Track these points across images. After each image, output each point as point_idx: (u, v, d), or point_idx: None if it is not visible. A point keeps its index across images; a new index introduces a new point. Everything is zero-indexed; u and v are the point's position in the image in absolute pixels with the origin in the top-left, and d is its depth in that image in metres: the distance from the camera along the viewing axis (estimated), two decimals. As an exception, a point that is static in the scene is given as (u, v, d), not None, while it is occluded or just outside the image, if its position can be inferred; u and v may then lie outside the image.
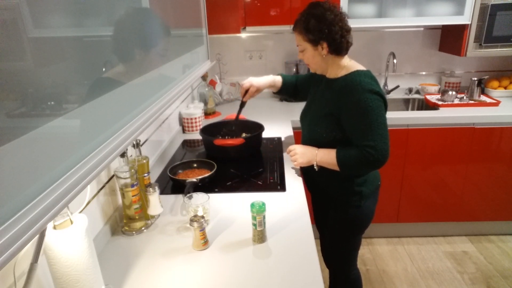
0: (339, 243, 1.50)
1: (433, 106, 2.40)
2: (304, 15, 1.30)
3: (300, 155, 1.40)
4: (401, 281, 2.14)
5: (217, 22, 2.14)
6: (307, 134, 1.43)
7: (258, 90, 1.68)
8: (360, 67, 1.32)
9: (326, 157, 1.33)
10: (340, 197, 1.40)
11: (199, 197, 1.18)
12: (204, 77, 2.49)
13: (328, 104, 1.31)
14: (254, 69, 2.79)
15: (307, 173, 1.49)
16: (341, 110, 1.26)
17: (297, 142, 2.20)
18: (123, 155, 1.11)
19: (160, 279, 0.95)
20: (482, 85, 2.50)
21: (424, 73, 2.76)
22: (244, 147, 1.67)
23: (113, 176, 1.22)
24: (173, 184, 1.47)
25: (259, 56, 2.75)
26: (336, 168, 1.30)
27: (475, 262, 2.29)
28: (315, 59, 1.34)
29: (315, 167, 1.37)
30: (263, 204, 1.05)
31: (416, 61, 2.73)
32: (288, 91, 1.73)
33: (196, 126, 2.12)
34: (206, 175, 1.44)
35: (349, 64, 1.33)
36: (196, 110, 2.11)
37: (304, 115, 1.51)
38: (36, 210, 0.48)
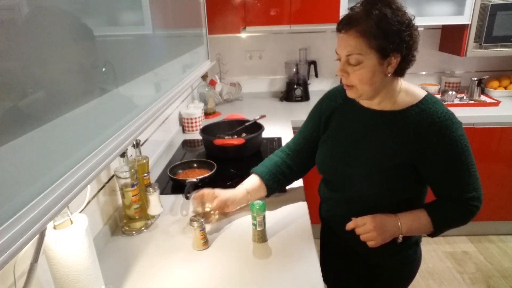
0: None
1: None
2: (372, 9, 0.85)
3: (378, 231, 0.96)
4: (401, 281, 2.14)
5: (217, 22, 2.13)
6: (363, 195, 1.01)
7: (225, 205, 1.16)
8: (419, 89, 0.98)
9: (416, 224, 0.97)
10: (392, 254, 1.07)
11: None
12: (204, 77, 2.49)
13: (401, 150, 0.94)
14: (254, 69, 2.79)
15: (352, 237, 1.03)
16: (424, 157, 0.93)
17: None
18: (123, 155, 1.11)
19: (160, 279, 0.95)
20: (482, 85, 2.50)
21: (424, 73, 2.76)
22: (244, 147, 1.67)
23: (113, 176, 1.22)
24: (173, 184, 1.47)
25: (259, 56, 2.75)
26: (427, 233, 1.00)
27: (475, 262, 2.29)
28: (374, 78, 0.89)
29: (398, 240, 1.00)
30: (263, 204, 1.05)
31: (416, 61, 2.72)
32: (284, 182, 1.22)
33: (196, 126, 2.12)
34: (206, 175, 1.44)
35: (406, 86, 0.97)
36: (196, 110, 2.11)
37: (341, 163, 1.03)
38: (36, 210, 0.48)
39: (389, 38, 0.85)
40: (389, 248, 1.02)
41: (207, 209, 1.15)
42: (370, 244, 0.98)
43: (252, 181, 1.20)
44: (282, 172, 1.21)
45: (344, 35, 0.89)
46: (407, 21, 0.86)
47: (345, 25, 0.89)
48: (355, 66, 0.89)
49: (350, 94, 0.96)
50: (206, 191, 1.15)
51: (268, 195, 1.23)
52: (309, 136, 1.17)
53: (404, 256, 1.10)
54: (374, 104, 0.99)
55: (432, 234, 1.00)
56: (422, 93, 0.96)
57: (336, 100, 1.09)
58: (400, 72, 0.93)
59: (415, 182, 0.98)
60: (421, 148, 0.92)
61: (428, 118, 0.91)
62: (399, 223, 0.97)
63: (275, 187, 1.21)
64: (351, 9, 0.90)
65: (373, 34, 0.85)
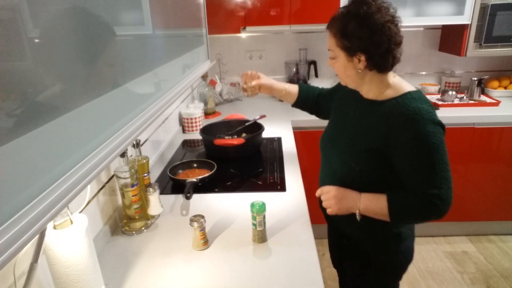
0: None
1: (433, 106, 2.40)
2: (344, 13, 0.99)
3: (337, 200, 1.06)
4: (401, 281, 2.14)
5: (217, 22, 2.14)
6: (338, 170, 1.12)
7: (263, 87, 1.42)
8: (408, 85, 1.04)
9: (373, 205, 1.02)
10: (375, 241, 1.14)
11: None
12: (204, 77, 2.49)
13: (371, 136, 1.02)
14: (254, 69, 2.77)
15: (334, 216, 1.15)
16: (393, 146, 0.98)
17: (301, 146, 2.21)
18: (123, 155, 1.11)
19: (160, 279, 0.95)
20: (482, 85, 2.50)
21: (424, 73, 2.76)
22: (244, 147, 1.67)
23: (113, 176, 1.22)
24: (173, 184, 1.47)
25: (259, 56, 2.75)
26: (385, 218, 1.02)
27: (475, 262, 2.29)
28: (348, 72, 1.04)
29: (357, 217, 1.06)
30: (263, 204, 1.05)
31: (416, 61, 2.73)
32: (306, 105, 1.43)
33: (196, 126, 2.12)
34: (206, 175, 1.44)
35: (395, 81, 1.04)
36: (196, 110, 2.11)
37: (329, 143, 1.18)
38: (36, 210, 0.48)
39: (352, 41, 0.97)
40: (367, 231, 1.11)
41: (249, 85, 1.42)
42: (328, 211, 1.09)
43: (293, 87, 1.45)
44: (313, 100, 1.43)
45: (327, 32, 1.06)
46: (375, 26, 0.94)
47: (328, 25, 1.05)
48: (333, 60, 1.07)
49: (340, 81, 1.14)
50: (252, 72, 1.43)
51: (293, 105, 1.48)
52: (330, 98, 1.34)
53: (388, 246, 1.13)
54: (363, 93, 1.09)
55: (391, 221, 1.02)
56: (406, 89, 1.02)
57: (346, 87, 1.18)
58: (377, 68, 1.01)
59: (385, 168, 1.02)
60: (389, 137, 0.98)
61: (399, 110, 0.97)
62: (359, 200, 1.04)
63: (301, 104, 1.46)
64: (337, 10, 1.03)
65: (340, 36, 1.00)
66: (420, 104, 0.97)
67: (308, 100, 1.42)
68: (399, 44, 0.99)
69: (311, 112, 1.46)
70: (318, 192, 1.13)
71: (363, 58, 0.99)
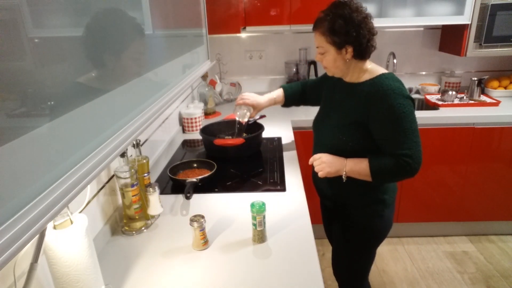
0: (356, 255, 1.40)
1: (433, 106, 2.40)
2: (330, 15, 1.18)
3: (327, 164, 1.25)
4: (401, 281, 2.14)
5: (217, 22, 2.14)
6: (328, 143, 1.30)
7: (257, 108, 1.64)
8: (382, 69, 1.24)
9: (357, 166, 1.22)
10: (362, 206, 1.31)
11: None
12: (204, 77, 2.49)
13: (354, 111, 1.22)
14: (254, 69, 2.79)
15: (320, 182, 1.40)
16: (371, 118, 1.18)
17: (301, 146, 2.21)
18: (123, 155, 1.11)
19: (160, 279, 0.95)
20: (482, 85, 2.50)
21: (424, 73, 2.77)
22: (244, 147, 1.67)
23: (113, 176, 1.22)
24: (173, 184, 1.47)
25: (259, 56, 2.75)
26: (367, 178, 1.21)
27: (475, 262, 2.29)
28: (336, 63, 1.24)
29: (343, 178, 1.24)
30: (263, 204, 1.05)
31: (416, 61, 2.73)
32: (294, 101, 1.67)
33: (196, 126, 2.12)
34: (206, 175, 1.44)
35: (371, 67, 1.25)
36: (196, 110, 2.11)
37: (320, 123, 1.38)
38: (36, 210, 0.48)
39: (340, 36, 1.17)
40: (355, 189, 1.29)
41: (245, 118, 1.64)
42: (320, 174, 1.26)
43: (278, 92, 1.68)
44: (298, 94, 1.66)
45: (315, 33, 1.25)
46: (357, 22, 1.16)
47: (314, 26, 1.25)
48: (322, 55, 1.26)
49: (327, 73, 1.33)
50: (239, 101, 1.64)
51: (283, 106, 1.71)
52: (317, 88, 1.58)
53: (372, 210, 1.31)
54: (346, 79, 1.30)
55: (373, 180, 1.20)
56: (380, 72, 1.22)
57: (331, 77, 1.38)
58: (360, 56, 1.22)
59: (366, 138, 1.22)
60: (368, 110, 1.18)
61: (375, 88, 1.18)
62: (345, 163, 1.24)
63: (290, 102, 1.69)
64: (319, 13, 1.23)
65: (329, 34, 1.19)
66: (392, 82, 1.16)
67: (295, 96, 1.65)
68: (375, 35, 1.22)
69: (299, 104, 1.71)
70: (310, 160, 1.31)
71: (350, 49, 1.19)
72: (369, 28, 1.19)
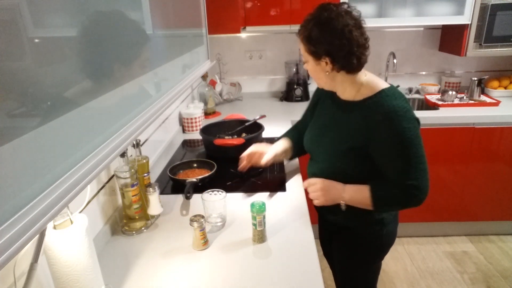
0: (360, 275, 1.32)
1: (433, 106, 2.40)
2: (308, 20, 1.07)
3: (323, 192, 1.14)
4: (401, 281, 2.14)
5: (217, 22, 2.13)
6: (324, 168, 1.18)
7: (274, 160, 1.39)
8: (382, 82, 1.09)
9: (357, 195, 1.10)
10: (359, 228, 1.22)
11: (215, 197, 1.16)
12: (204, 77, 2.49)
13: (351, 136, 1.09)
14: (254, 69, 2.79)
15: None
16: (371, 144, 1.05)
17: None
18: (123, 155, 1.11)
19: (160, 279, 0.95)
20: (482, 85, 2.50)
21: (424, 73, 2.76)
22: (244, 147, 1.67)
23: (113, 176, 1.22)
24: (173, 184, 1.47)
25: (259, 56, 2.75)
26: (368, 207, 1.10)
27: (475, 262, 2.29)
28: (318, 75, 1.12)
29: (342, 207, 1.14)
30: (263, 204, 1.05)
31: (416, 61, 2.73)
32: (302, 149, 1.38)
33: (196, 126, 2.12)
34: (206, 175, 1.44)
35: (368, 80, 1.09)
36: (196, 110, 2.11)
37: (316, 142, 1.23)
38: (36, 210, 0.48)
39: (316, 45, 1.05)
40: (352, 219, 1.19)
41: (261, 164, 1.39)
42: (315, 202, 1.17)
43: (286, 142, 1.43)
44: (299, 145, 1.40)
45: (298, 39, 1.12)
46: (338, 30, 1.01)
47: (297, 32, 1.12)
48: (305, 64, 1.14)
49: (317, 84, 1.20)
50: (254, 154, 1.41)
51: (290, 159, 1.48)
52: (308, 118, 1.37)
53: (370, 231, 1.21)
54: (339, 94, 1.15)
55: (374, 209, 1.10)
56: (380, 87, 1.07)
57: (324, 89, 1.22)
58: (345, 70, 1.07)
59: (366, 164, 1.10)
60: (369, 135, 1.05)
61: (377, 109, 1.04)
62: (343, 191, 1.12)
63: (296, 154, 1.46)
64: (305, 17, 1.09)
65: (306, 42, 1.07)
66: (395, 101, 1.02)
67: (300, 138, 1.38)
68: (363, 46, 1.05)
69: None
70: (305, 184, 1.21)
71: (328, 60, 1.06)
72: (350, 38, 1.01)
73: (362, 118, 1.06)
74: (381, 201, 1.08)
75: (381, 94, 1.05)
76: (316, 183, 1.15)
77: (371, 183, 1.09)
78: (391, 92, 1.05)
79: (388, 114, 1.01)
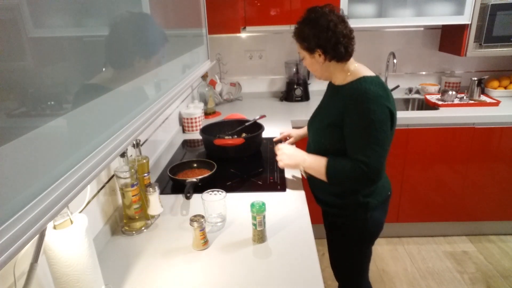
0: (347, 256, 1.42)
1: (433, 106, 2.40)
2: (299, 23, 1.24)
3: (287, 156, 1.30)
4: (401, 281, 2.14)
5: (217, 22, 2.14)
6: (312, 144, 1.34)
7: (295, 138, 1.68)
8: (368, 72, 1.23)
9: (315, 164, 1.24)
10: (344, 209, 1.31)
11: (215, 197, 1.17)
12: (204, 77, 2.49)
13: (333, 114, 1.23)
14: (254, 69, 2.79)
15: (313, 185, 1.41)
16: (344, 120, 1.18)
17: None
18: (123, 155, 1.11)
19: (160, 279, 0.95)
20: (482, 85, 2.50)
21: (424, 73, 2.77)
22: (244, 147, 1.67)
23: (113, 176, 1.22)
24: (173, 184, 1.47)
25: (259, 56, 2.75)
26: (324, 178, 1.21)
27: (475, 262, 2.29)
28: (314, 67, 1.28)
29: (302, 173, 1.30)
30: (263, 204, 1.05)
31: (416, 61, 2.73)
32: None
33: (196, 126, 2.12)
34: (206, 175, 1.44)
35: (355, 69, 1.23)
36: (196, 110, 2.11)
37: (311, 123, 1.39)
38: (36, 210, 0.48)
39: (308, 41, 1.21)
40: (335, 198, 1.31)
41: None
42: (279, 164, 1.33)
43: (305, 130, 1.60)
44: None
45: (294, 40, 1.28)
46: (325, 26, 1.17)
47: (292, 36, 1.29)
48: (303, 60, 1.30)
49: (315, 77, 1.35)
50: (284, 135, 1.70)
51: None
52: None
53: (355, 213, 1.30)
54: (334, 81, 1.30)
55: (327, 180, 1.21)
56: (363, 74, 1.20)
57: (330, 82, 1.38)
58: (336, 59, 1.22)
59: (342, 141, 1.20)
60: (342, 112, 1.18)
61: (353, 91, 1.17)
62: (305, 159, 1.27)
63: None
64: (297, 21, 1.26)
65: (301, 40, 1.24)
66: (370, 86, 1.14)
67: None
68: (347, 36, 1.19)
69: None
70: (276, 148, 1.38)
71: (320, 52, 1.21)
72: (336, 30, 1.17)
73: (341, 99, 1.20)
74: (332, 172, 1.19)
75: (361, 79, 1.18)
76: (284, 148, 1.34)
77: (330, 155, 1.23)
78: (371, 79, 1.18)
79: (359, 95, 1.14)
